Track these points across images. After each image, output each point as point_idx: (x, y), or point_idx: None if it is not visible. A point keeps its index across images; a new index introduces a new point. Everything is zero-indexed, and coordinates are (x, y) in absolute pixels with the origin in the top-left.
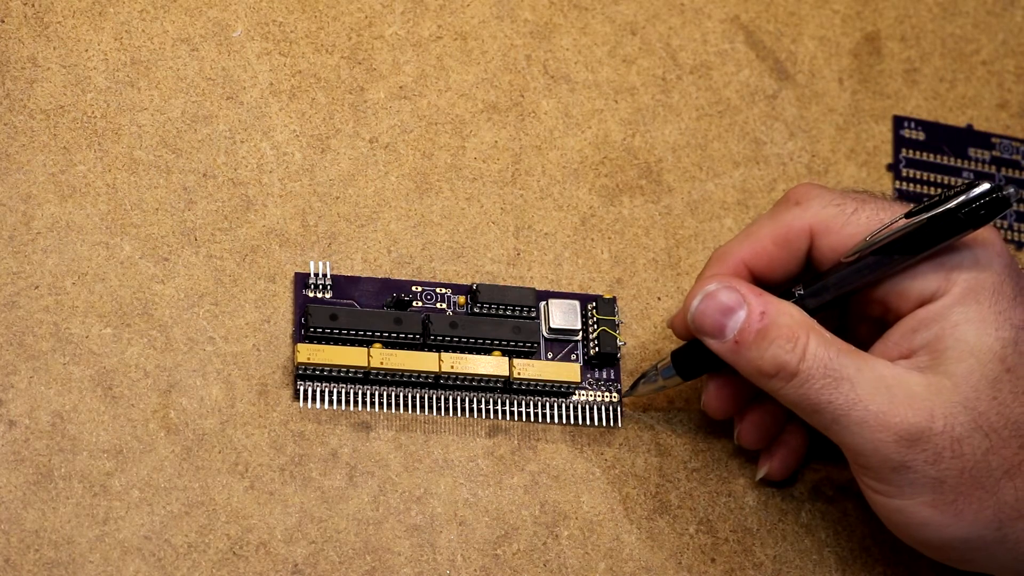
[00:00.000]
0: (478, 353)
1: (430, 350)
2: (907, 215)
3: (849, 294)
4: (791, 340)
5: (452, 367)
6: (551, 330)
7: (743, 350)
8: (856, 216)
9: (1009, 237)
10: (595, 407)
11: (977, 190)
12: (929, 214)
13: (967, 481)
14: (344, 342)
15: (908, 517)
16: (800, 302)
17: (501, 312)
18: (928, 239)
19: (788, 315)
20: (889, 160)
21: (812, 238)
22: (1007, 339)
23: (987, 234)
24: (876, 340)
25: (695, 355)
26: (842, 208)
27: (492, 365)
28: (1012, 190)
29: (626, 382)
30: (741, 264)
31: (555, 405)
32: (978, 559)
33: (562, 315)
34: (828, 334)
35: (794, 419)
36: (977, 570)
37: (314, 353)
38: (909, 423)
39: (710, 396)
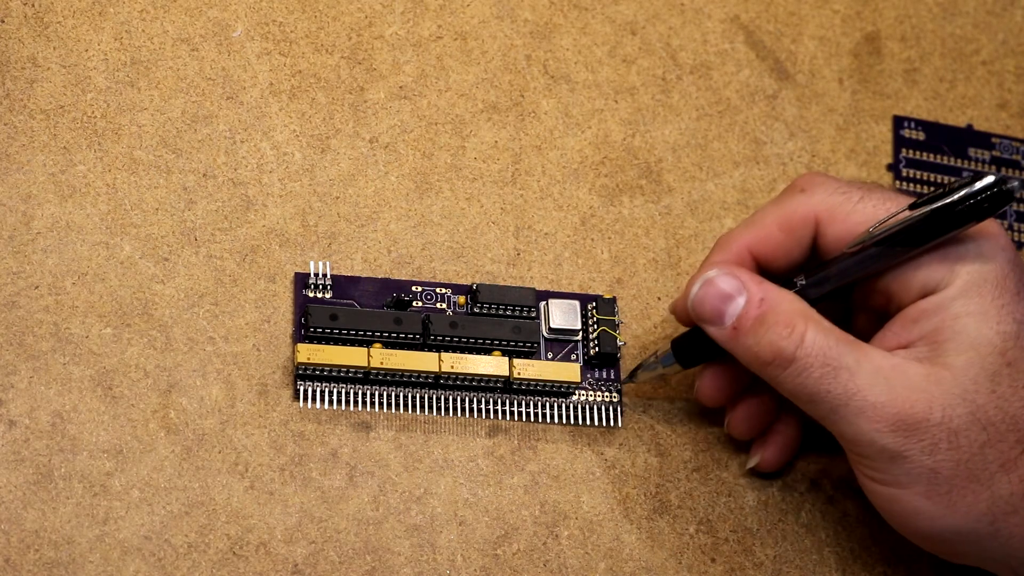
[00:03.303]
0: (478, 353)
1: (430, 350)
2: (911, 207)
3: (851, 284)
4: (788, 327)
5: (452, 367)
6: (551, 330)
7: (741, 336)
8: (862, 204)
9: (1010, 237)
10: (595, 407)
11: (981, 183)
12: (933, 206)
13: (962, 473)
14: (344, 342)
15: (902, 506)
16: (802, 292)
17: (501, 312)
18: (931, 231)
19: (787, 302)
20: (889, 160)
21: (817, 225)
22: (1008, 333)
23: (992, 227)
24: (878, 330)
25: (694, 343)
26: (848, 196)
27: (492, 365)
28: (1016, 183)
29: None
30: (745, 250)
31: (555, 405)
32: (970, 552)
33: (562, 315)
34: (827, 323)
35: (788, 410)
36: (970, 563)
37: (314, 353)
38: (906, 413)
39: (704, 383)
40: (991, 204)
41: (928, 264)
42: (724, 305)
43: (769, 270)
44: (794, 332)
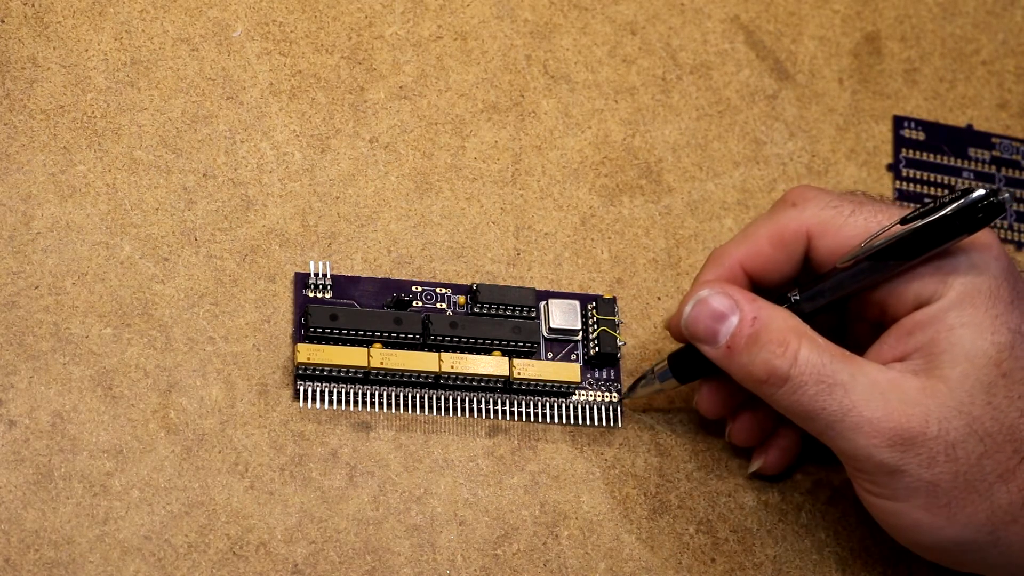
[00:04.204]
0: (478, 353)
1: (430, 350)
2: (902, 221)
3: (845, 298)
4: (782, 344)
5: (452, 367)
6: (551, 330)
7: (735, 355)
8: (853, 218)
9: (1009, 237)
10: (595, 407)
11: (973, 196)
12: (924, 221)
13: (961, 485)
14: (344, 342)
15: (902, 519)
16: (795, 307)
17: (501, 312)
18: (923, 244)
19: (780, 320)
20: (889, 160)
21: (809, 240)
22: (1003, 344)
23: (985, 237)
24: (874, 342)
25: (691, 359)
26: (839, 210)
27: (492, 365)
28: (1007, 195)
29: (626, 382)
30: (738, 266)
31: (555, 405)
32: (971, 561)
33: (562, 315)
34: (821, 340)
35: (787, 419)
36: (971, 571)
37: (314, 353)
38: (903, 427)
39: (703, 398)
40: (983, 216)
41: (922, 276)
42: (717, 324)
43: (762, 285)
44: (788, 350)
